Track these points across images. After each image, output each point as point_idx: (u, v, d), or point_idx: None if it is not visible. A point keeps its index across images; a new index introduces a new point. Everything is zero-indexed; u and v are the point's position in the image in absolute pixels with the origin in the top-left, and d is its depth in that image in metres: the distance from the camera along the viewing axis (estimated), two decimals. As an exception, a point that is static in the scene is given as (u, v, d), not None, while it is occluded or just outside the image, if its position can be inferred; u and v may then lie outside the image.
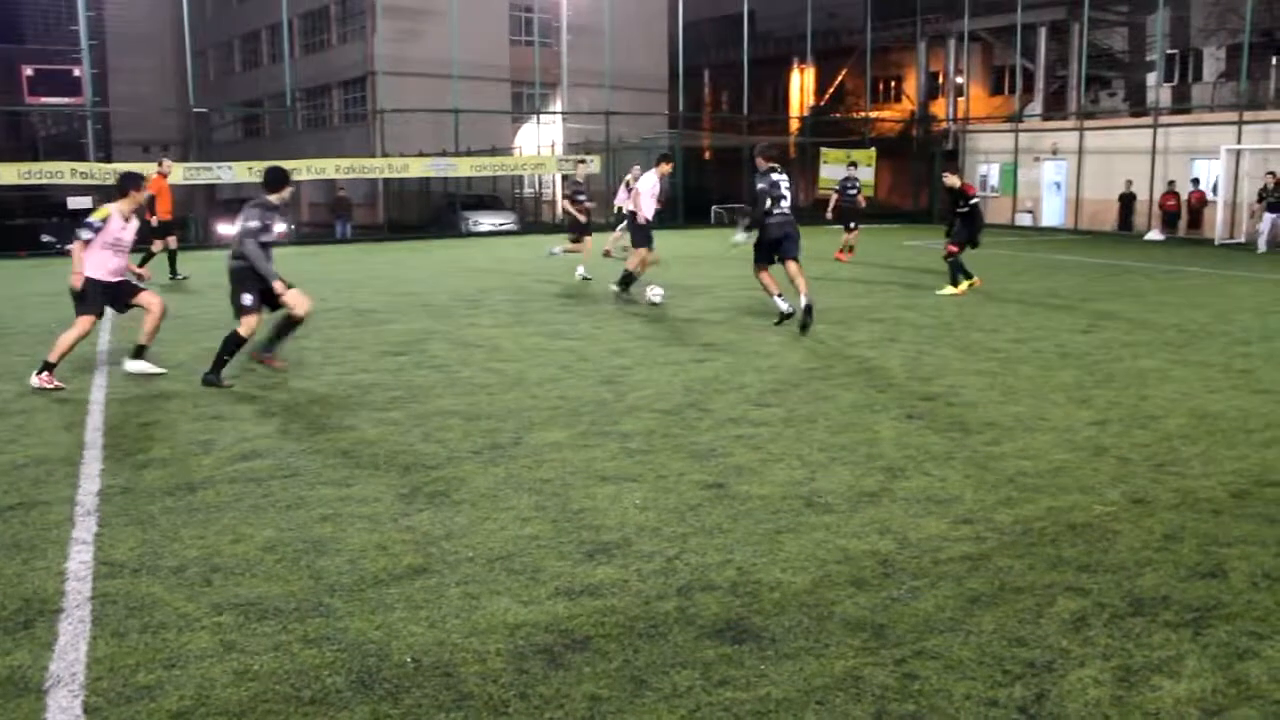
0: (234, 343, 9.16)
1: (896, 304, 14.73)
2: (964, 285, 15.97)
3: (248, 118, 53.63)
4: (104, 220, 9.23)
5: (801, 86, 49.77)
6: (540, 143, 40.85)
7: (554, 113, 40.84)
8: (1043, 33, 40.22)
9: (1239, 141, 29.74)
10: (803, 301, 11.91)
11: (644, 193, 15.54)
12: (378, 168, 31.57)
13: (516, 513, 5.74)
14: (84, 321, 9.21)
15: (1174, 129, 32.56)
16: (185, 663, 4.02)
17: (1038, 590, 4.74)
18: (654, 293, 14.23)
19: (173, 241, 18.84)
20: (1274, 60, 35.25)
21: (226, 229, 27.26)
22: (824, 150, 38.78)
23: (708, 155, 42.99)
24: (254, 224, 9.04)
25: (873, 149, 38.75)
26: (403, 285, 17.61)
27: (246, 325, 9.12)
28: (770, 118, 45.87)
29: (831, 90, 49.35)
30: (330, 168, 30.18)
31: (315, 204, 42.95)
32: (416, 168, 32.18)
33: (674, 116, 40.64)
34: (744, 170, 36.16)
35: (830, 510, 5.78)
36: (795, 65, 48.95)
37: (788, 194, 12.16)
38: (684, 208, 35.17)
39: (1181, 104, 38.38)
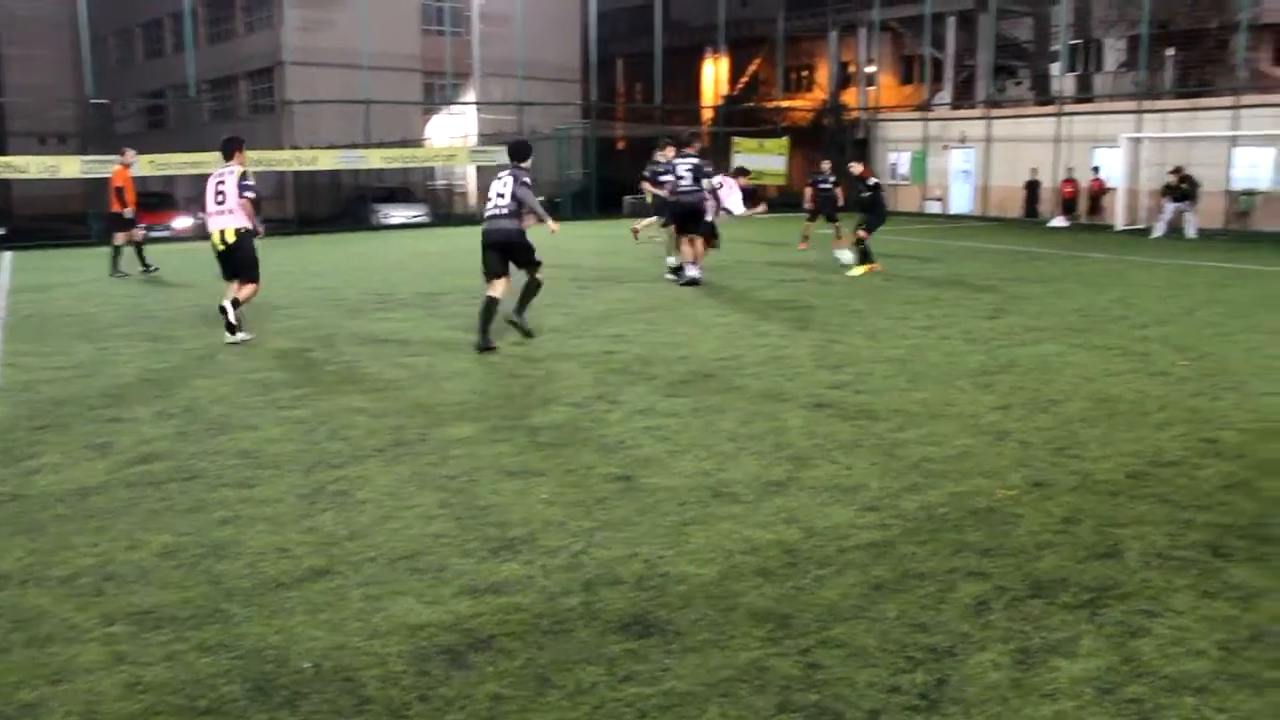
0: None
1: (809, 292, 14.84)
2: (867, 267, 17.10)
3: (151, 109, 52.27)
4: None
5: (715, 76, 49.94)
6: (453, 134, 40.46)
7: (466, 103, 40.47)
8: (952, 23, 40.81)
9: (1138, 130, 30.48)
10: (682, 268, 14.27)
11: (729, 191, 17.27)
12: (285, 160, 31.00)
13: (422, 511, 5.66)
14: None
15: (1077, 118, 33.26)
16: (72, 677, 3.89)
17: (940, 576, 4.80)
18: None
19: (138, 234, 18.39)
20: (1169, 52, 36.15)
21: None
22: (736, 139, 38.95)
23: (621, 145, 42.86)
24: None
25: (785, 138, 39.02)
26: (311, 280, 17.31)
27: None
28: (683, 107, 45.90)
29: (745, 79, 49.59)
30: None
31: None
32: (326, 160, 31.65)
33: (587, 106, 40.52)
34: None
35: (738, 501, 5.80)
36: (709, 54, 49.08)
37: (687, 176, 13.90)
38: (597, 198, 35.10)
39: (1084, 93, 39.22)
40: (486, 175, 36.48)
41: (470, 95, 40.71)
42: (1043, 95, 38.50)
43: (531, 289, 11.06)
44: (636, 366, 9.53)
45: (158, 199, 29.80)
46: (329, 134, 34.56)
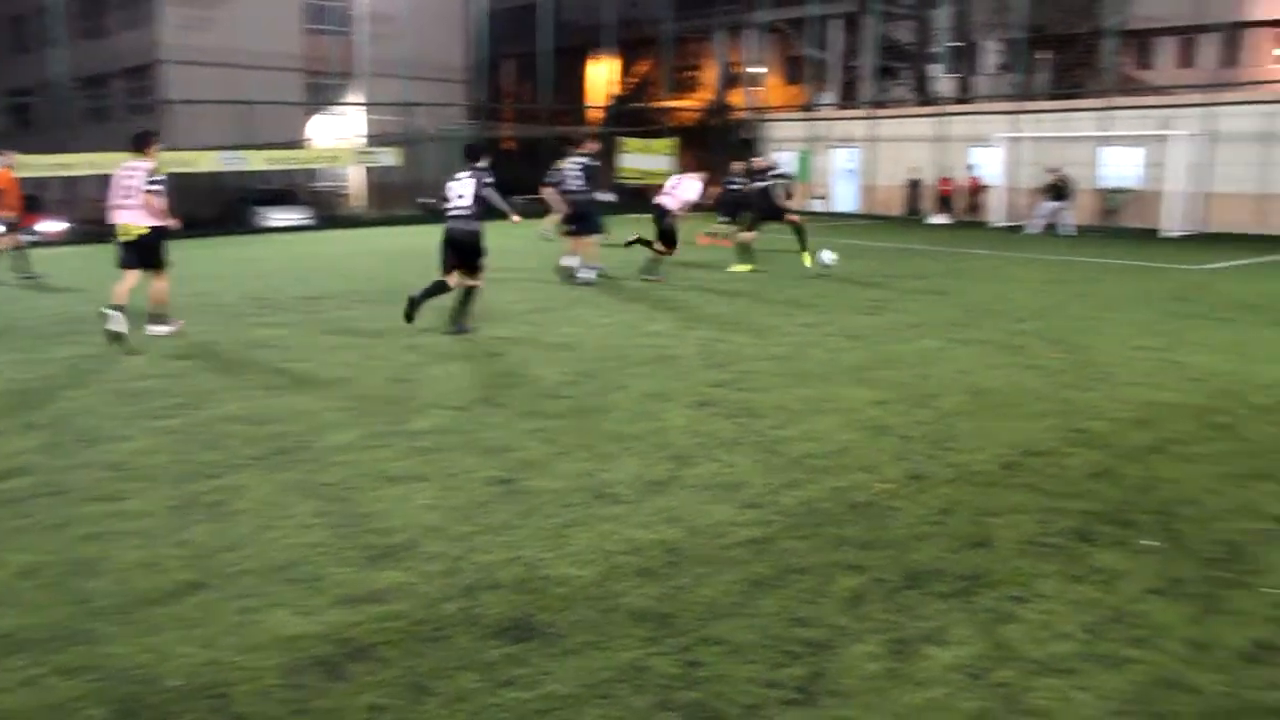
0: None
1: (695, 291, 14.93)
2: (750, 267, 17.37)
3: (17, 107, 50.33)
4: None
5: (603, 76, 49.98)
6: (338, 135, 39.79)
7: (351, 104, 39.84)
8: (836, 25, 41.47)
9: (1014, 131, 31.34)
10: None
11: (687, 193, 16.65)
12: (164, 162, 30.08)
13: (299, 520, 5.55)
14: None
15: (956, 118, 34.07)
16: (-78, 704, 3.73)
17: (819, 570, 4.87)
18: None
19: (22, 239, 17.66)
20: (1043, 55, 37.30)
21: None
22: (624, 139, 39.03)
23: (510, 146, 42.63)
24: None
25: (672, 138, 39.23)
26: (189, 285, 16.82)
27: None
28: (571, 107, 45.86)
29: (633, 80, 49.71)
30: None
31: (96, 201, 40.65)
32: (206, 162, 30.84)
33: (475, 107, 40.23)
34: (546, 161, 36.06)
35: (619, 501, 5.80)
36: (597, 55, 49.10)
37: (578, 176, 13.98)
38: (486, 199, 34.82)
39: (964, 94, 40.21)
40: (373, 176, 36.05)
41: (355, 96, 40.10)
42: (924, 96, 39.38)
43: (469, 297, 11.35)
44: (520, 368, 9.48)
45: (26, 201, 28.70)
46: (209, 135, 33.64)
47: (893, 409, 7.95)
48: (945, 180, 32.73)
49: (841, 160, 37.10)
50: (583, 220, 15.65)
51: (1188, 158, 27.40)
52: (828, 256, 17.21)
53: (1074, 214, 27.58)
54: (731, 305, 13.52)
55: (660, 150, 38.18)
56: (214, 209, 35.51)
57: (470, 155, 11.50)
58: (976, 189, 32.69)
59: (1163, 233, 26.72)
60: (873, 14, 37.14)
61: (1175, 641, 4.23)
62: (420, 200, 19.82)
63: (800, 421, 7.54)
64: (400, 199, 34.90)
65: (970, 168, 32.80)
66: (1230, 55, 39.16)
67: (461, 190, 11.14)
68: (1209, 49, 35.70)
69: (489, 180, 11.18)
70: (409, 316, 11.21)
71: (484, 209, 11.18)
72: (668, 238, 16.22)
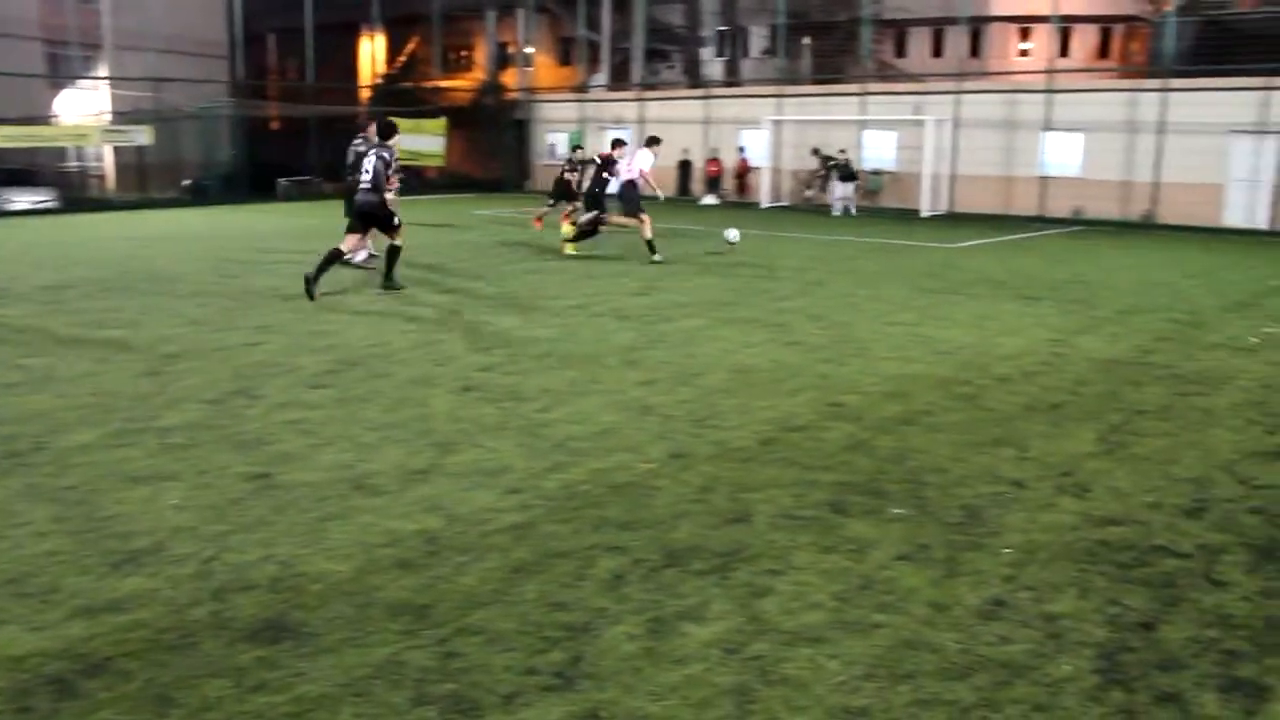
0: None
1: (465, 273, 14.77)
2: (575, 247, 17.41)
3: None
4: None
5: (372, 54, 48.74)
6: (85, 111, 37.35)
7: (97, 78, 37.47)
8: (607, 5, 41.69)
9: (779, 114, 32.33)
10: (359, 256, 14.51)
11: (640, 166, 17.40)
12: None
13: (33, 528, 5.17)
14: None
15: (725, 101, 34.86)
16: None
17: (580, 553, 4.88)
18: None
19: None
20: (806, 41, 38.62)
21: None
22: (394, 120, 38.19)
23: (275, 125, 41.06)
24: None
25: (444, 118, 38.67)
26: (-85, 274, 15.54)
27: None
28: (339, 86, 44.52)
29: (402, 59, 48.67)
30: None
31: None
32: (-67, 140, 28.51)
33: (235, 84, 38.55)
34: (311, 141, 34.96)
35: (379, 492, 5.67)
36: (364, 32, 47.81)
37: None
38: (248, 181, 33.40)
39: (732, 78, 41.17)
40: (124, 155, 34.04)
41: (102, 70, 37.73)
42: (694, 79, 40.10)
43: (393, 254, 12.85)
44: (280, 358, 9.14)
45: None
46: (-65, 110, 31.08)
47: (657, 389, 8.06)
48: (713, 161, 33.49)
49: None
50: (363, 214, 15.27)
51: (938, 142, 28.91)
52: (732, 234, 17.97)
53: (856, 195, 28.78)
54: (501, 288, 13.44)
55: (432, 131, 37.56)
56: (-56, 191, 32.82)
57: (381, 133, 12.92)
58: (745, 170, 33.60)
59: (924, 213, 28.12)
60: (643, -4, 37.56)
61: (919, 604, 4.44)
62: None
63: (565, 404, 7.56)
64: (156, 180, 33.12)
65: (740, 149, 33.64)
66: (976, 46, 41.56)
67: (367, 165, 12.51)
68: (957, 40, 37.68)
69: (385, 155, 12.46)
70: (310, 295, 12.08)
71: (381, 180, 12.38)
72: (634, 211, 16.86)
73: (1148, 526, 5.39)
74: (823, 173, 30.45)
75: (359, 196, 12.65)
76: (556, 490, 5.72)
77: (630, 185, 17.13)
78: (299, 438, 6.68)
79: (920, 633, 4.18)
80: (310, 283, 12.15)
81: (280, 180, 34.16)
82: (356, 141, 15.30)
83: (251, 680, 3.76)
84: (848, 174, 28.60)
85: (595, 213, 17.15)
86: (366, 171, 12.48)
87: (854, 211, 28.33)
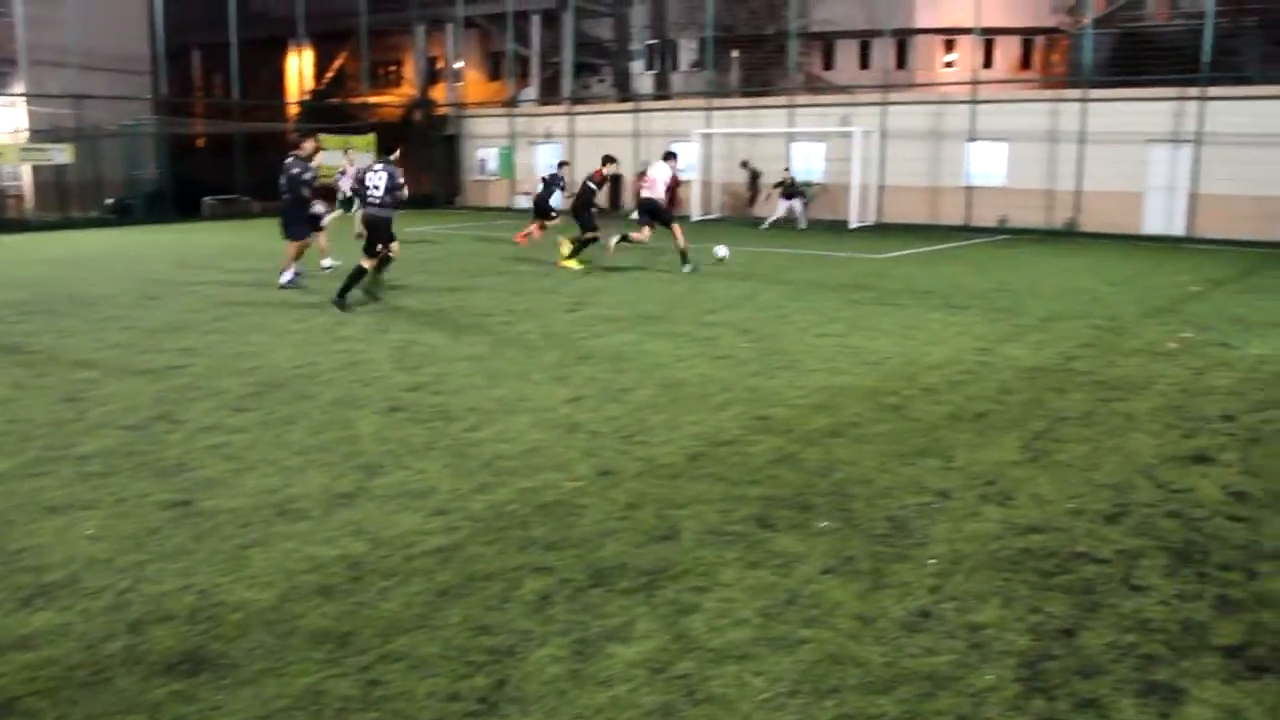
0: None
1: (392, 291, 14.63)
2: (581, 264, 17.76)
3: None
4: None
5: (299, 70, 48.26)
6: (0, 129, 36.50)
7: (13, 95, 36.62)
8: (536, 20, 41.68)
9: (709, 127, 32.51)
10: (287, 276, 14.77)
11: (659, 180, 18.03)
12: None
13: (-61, 562, 5.03)
14: None
15: (655, 114, 34.99)
16: None
17: (506, 575, 4.84)
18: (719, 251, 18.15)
19: None
20: (734, 54, 38.90)
21: None
22: (322, 136, 37.81)
23: (200, 143, 40.44)
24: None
25: (372, 135, 38.36)
26: None
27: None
28: (266, 103, 44.03)
29: (330, 74, 48.25)
30: None
31: None
32: None
33: (158, 101, 37.92)
34: (238, 159, 34.51)
35: (303, 517, 5.58)
36: (292, 47, 47.33)
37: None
38: (173, 200, 32.84)
39: (662, 91, 41.35)
40: (43, 174, 33.29)
41: (18, 86, 36.92)
42: (624, 92, 40.21)
43: (359, 274, 13.10)
44: (204, 380, 8.97)
45: None
46: None
47: (585, 405, 8.04)
48: (642, 175, 33.56)
49: (545, 157, 37.37)
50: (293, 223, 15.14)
51: (865, 153, 29.24)
52: (721, 250, 18.20)
53: (807, 210, 28.88)
54: (429, 305, 13.34)
55: (360, 148, 37.23)
56: None
57: (387, 150, 14.02)
58: (675, 184, 33.67)
59: (852, 224, 28.40)
60: (571, 10, 37.58)
61: (845, 618, 4.45)
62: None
63: (493, 422, 7.50)
64: (78, 200, 32.44)
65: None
66: (902, 58, 42.16)
67: (375, 181, 12.99)
68: (884, 52, 38.18)
69: (392, 171, 13.05)
70: (342, 307, 12.72)
71: (394, 196, 13.02)
72: (668, 220, 17.55)
73: (1069, 533, 5.47)
74: (755, 186, 30.64)
75: (369, 210, 13.07)
76: (483, 511, 5.67)
77: (653, 200, 17.68)
78: (222, 463, 6.56)
79: (846, 647, 4.20)
80: (341, 306, 12.71)
81: (206, 199, 33.66)
82: (288, 160, 15.13)
83: (166, 716, 3.68)
84: (793, 191, 28.76)
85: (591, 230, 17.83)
86: (376, 187, 12.93)
87: (803, 225, 28.34)
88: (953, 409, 8.06)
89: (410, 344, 10.61)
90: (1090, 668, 4.05)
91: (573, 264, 17.48)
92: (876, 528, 5.51)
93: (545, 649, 4.14)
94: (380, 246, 13.04)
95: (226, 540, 5.26)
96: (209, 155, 38.20)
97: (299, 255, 15.01)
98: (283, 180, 14.85)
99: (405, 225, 21.23)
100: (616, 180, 34.66)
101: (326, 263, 16.59)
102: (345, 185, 21.00)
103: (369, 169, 13.52)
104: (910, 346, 10.59)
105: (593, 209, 18.16)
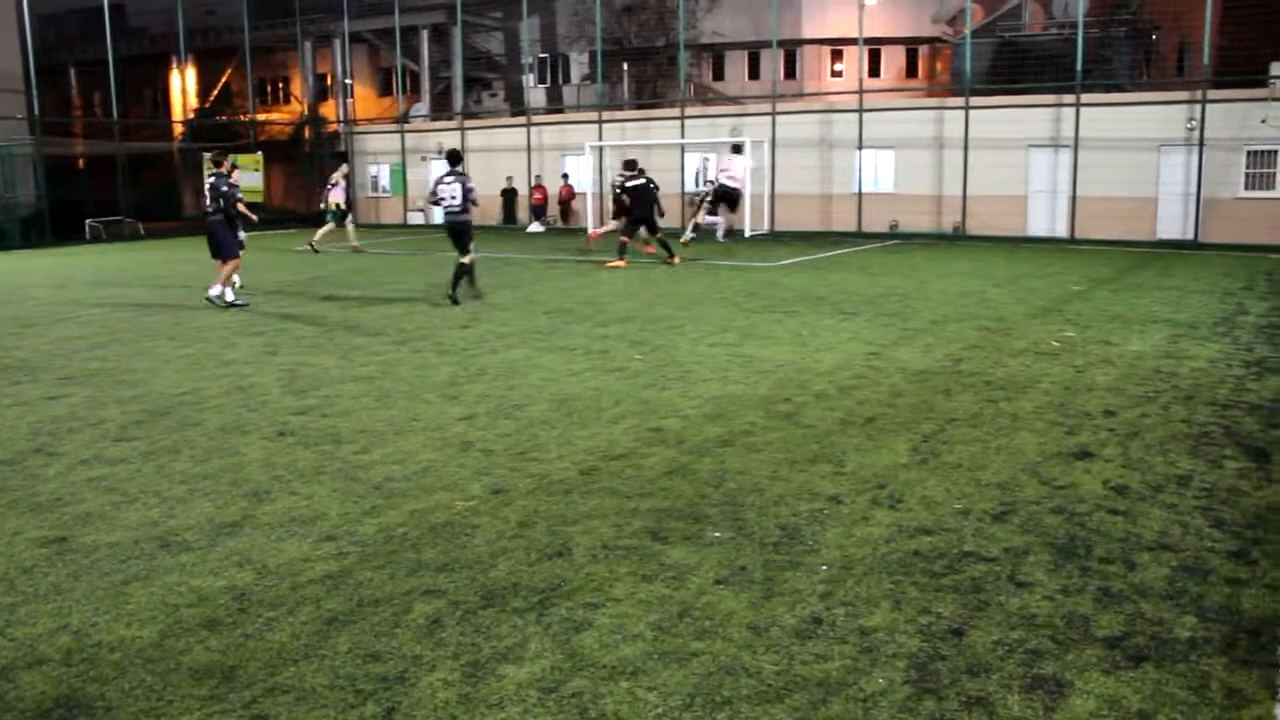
0: None
1: (279, 315, 14.37)
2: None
3: None
4: None
5: (183, 88, 47.20)
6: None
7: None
8: (425, 35, 41.35)
9: (600, 139, 32.56)
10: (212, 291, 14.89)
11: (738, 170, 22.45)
12: None
13: None
14: None
15: (547, 128, 34.95)
16: None
17: (396, 599, 4.76)
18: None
19: None
20: (625, 67, 39.09)
21: None
22: (207, 155, 37.04)
23: (81, 163, 39.26)
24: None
25: (259, 153, 37.69)
26: None
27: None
28: (148, 121, 42.97)
29: (215, 92, 47.26)
30: None
31: None
32: None
33: (34, 120, 36.72)
34: (121, 179, 33.57)
35: (187, 548, 5.43)
36: (174, 64, 46.25)
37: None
38: (51, 223, 31.77)
39: (554, 104, 41.33)
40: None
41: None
42: (516, 106, 40.10)
43: (462, 271, 14.93)
44: (83, 411, 8.68)
45: None
46: None
47: (478, 423, 7.97)
48: (538, 188, 33.53)
49: (437, 172, 37.04)
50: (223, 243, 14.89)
51: (756, 162, 29.54)
52: (717, 223, 20.56)
53: (726, 221, 28.86)
54: (317, 327, 13.11)
55: (248, 166, 36.55)
56: None
57: (453, 159, 15.34)
58: (569, 196, 33.72)
59: (746, 233, 28.62)
60: (460, 25, 37.37)
61: (737, 628, 4.47)
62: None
63: (384, 444, 7.40)
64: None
65: (563, 176, 33.76)
66: (791, 68, 42.76)
67: (453, 191, 14.83)
68: (772, 63, 38.65)
69: (464, 179, 14.95)
70: (454, 300, 14.77)
71: (469, 203, 14.90)
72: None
73: (958, 533, 5.57)
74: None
75: (449, 218, 15.03)
76: (373, 535, 5.58)
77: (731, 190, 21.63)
78: (101, 496, 6.35)
79: (738, 657, 4.21)
80: (452, 300, 14.73)
81: (89, 221, 32.70)
82: (214, 179, 14.85)
83: (40, 763, 3.54)
84: (716, 203, 28.73)
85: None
86: (454, 197, 14.77)
87: (721, 237, 28.26)
88: (844, 414, 8.17)
89: (299, 366, 10.41)
90: (978, 666, 4.12)
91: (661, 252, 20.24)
92: (769, 536, 5.54)
93: (436, 673, 4.09)
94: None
95: (105, 576, 5.09)
96: (91, 176, 37.10)
97: (233, 273, 14.90)
98: (211, 198, 14.85)
99: (296, 242, 20.88)
100: (511, 194, 34.61)
101: (214, 291, 16.04)
102: (337, 198, 22.18)
103: (440, 180, 15.01)
104: (802, 354, 10.71)
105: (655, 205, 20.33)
